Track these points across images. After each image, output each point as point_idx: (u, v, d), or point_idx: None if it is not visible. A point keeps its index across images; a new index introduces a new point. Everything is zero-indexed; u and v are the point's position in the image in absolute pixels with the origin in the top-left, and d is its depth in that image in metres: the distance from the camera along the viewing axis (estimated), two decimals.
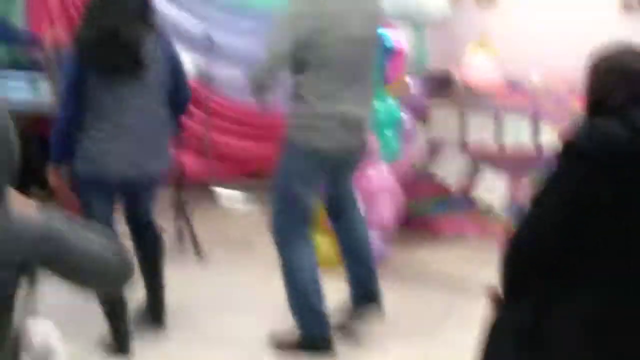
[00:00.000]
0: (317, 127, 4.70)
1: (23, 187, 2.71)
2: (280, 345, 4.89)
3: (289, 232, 4.75)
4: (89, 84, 4.54)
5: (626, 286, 3.13)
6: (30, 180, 6.49)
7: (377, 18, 4.98)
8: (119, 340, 4.83)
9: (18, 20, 7.96)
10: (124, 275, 2.66)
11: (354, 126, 4.83)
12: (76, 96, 4.57)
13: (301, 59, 4.60)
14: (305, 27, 4.58)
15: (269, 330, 4.98)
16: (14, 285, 2.48)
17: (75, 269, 2.53)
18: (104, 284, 2.72)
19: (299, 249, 4.75)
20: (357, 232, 5.19)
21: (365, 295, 5.17)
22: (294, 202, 4.77)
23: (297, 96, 4.70)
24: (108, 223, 4.73)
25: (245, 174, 7.69)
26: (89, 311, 4.79)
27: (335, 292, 5.17)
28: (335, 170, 4.96)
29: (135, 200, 4.96)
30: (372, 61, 4.94)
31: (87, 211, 4.75)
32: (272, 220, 4.83)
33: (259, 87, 4.70)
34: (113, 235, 2.66)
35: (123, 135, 4.69)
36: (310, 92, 4.66)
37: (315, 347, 4.83)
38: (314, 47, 4.59)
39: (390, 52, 6.05)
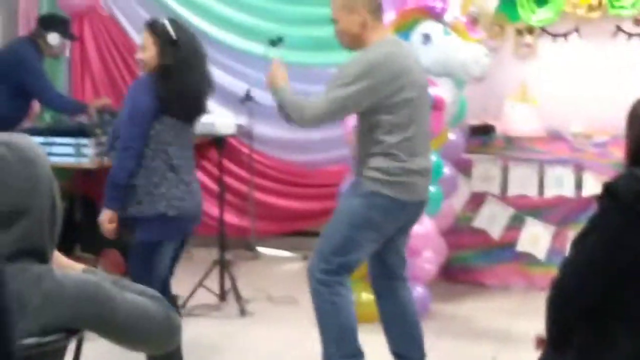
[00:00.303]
0: (407, 182, 4.67)
1: (67, 248, 2.74)
2: None
3: (336, 280, 4.65)
4: (159, 131, 4.68)
5: None
6: (74, 241, 6.56)
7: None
8: None
9: (62, 85, 8.09)
10: (170, 335, 2.66)
11: (428, 178, 4.87)
12: (143, 144, 4.66)
13: (377, 116, 4.58)
14: (387, 85, 4.55)
15: None
16: (61, 349, 2.49)
17: (121, 330, 2.54)
18: (151, 344, 2.72)
19: (343, 292, 4.69)
20: (409, 303, 5.05)
21: None
22: (355, 251, 4.68)
23: (384, 153, 4.60)
24: (166, 276, 4.81)
25: (287, 232, 7.71)
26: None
27: (377, 347, 5.13)
28: (405, 226, 4.93)
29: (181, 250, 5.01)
30: (430, 111, 4.95)
31: (148, 262, 4.77)
32: (318, 264, 4.67)
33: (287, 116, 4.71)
34: (158, 294, 2.66)
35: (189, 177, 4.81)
36: (398, 147, 4.61)
37: None
38: (397, 106, 4.58)
39: (432, 107, 6.06)
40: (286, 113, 4.71)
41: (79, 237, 6.93)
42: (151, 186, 4.68)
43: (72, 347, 2.64)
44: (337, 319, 4.67)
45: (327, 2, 5.70)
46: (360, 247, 4.67)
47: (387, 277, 4.93)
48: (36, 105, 7.86)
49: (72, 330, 2.47)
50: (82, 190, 7.14)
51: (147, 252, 4.77)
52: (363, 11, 4.63)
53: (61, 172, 6.67)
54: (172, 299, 5.02)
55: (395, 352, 5.06)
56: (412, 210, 4.79)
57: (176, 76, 4.74)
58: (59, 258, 2.65)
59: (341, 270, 4.65)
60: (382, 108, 4.57)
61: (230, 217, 7.49)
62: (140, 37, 4.85)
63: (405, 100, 4.61)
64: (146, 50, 4.72)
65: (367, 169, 4.64)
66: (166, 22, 4.80)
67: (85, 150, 6.69)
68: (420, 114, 4.73)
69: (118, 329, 2.53)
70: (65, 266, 2.64)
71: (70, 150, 6.68)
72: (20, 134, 2.56)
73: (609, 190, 3.19)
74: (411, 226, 5.02)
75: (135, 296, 2.57)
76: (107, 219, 4.77)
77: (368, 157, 4.65)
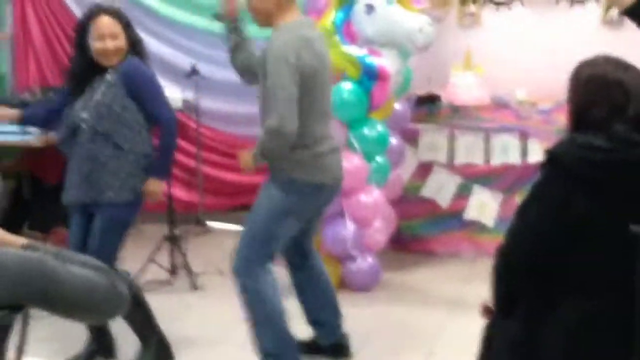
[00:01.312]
0: (318, 164, 4.68)
1: (15, 226, 2.72)
2: None
3: (256, 268, 4.65)
4: None
5: (607, 295, 3.16)
6: (22, 219, 6.51)
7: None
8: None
9: (6, 64, 8.01)
10: (116, 304, 2.66)
11: (339, 156, 4.88)
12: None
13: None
14: (304, 69, 4.51)
15: None
16: (4, 327, 2.48)
17: (66, 304, 2.54)
18: (97, 315, 2.72)
19: (266, 280, 4.68)
20: (324, 283, 5.14)
21: (336, 345, 5.16)
22: (272, 241, 4.71)
23: (293, 144, 4.55)
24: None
25: (237, 206, 7.69)
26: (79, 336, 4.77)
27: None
28: (321, 207, 5.00)
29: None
30: (331, 90, 4.93)
31: (120, 241, 4.85)
32: (241, 256, 4.69)
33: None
34: (103, 265, 2.65)
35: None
36: (309, 135, 4.60)
37: None
38: (312, 89, 4.56)
39: (375, 79, 6.07)
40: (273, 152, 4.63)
41: (28, 215, 6.88)
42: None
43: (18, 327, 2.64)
44: (264, 307, 4.68)
45: None
46: (281, 235, 4.71)
47: (299, 252, 4.98)
48: None
49: (16, 308, 2.46)
50: (29, 168, 7.08)
51: (122, 231, 4.84)
52: None
53: (7, 150, 6.64)
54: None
55: (314, 321, 5.14)
56: (328, 191, 4.83)
57: (145, 53, 4.97)
58: (0, 234, 2.63)
59: (262, 260, 4.66)
60: (302, 95, 4.52)
61: (179, 192, 7.49)
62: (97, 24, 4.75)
63: (319, 86, 4.61)
64: (119, 37, 4.76)
65: (279, 161, 4.63)
66: (116, 8, 4.94)
67: (31, 128, 6.63)
68: (325, 96, 4.73)
69: (63, 303, 2.52)
70: (8, 241, 2.63)
71: (15, 128, 6.61)
72: None
73: (551, 156, 3.22)
74: (327, 206, 5.09)
75: (79, 268, 2.56)
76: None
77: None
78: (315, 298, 5.09)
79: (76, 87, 4.90)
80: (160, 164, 4.88)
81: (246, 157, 4.73)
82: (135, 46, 4.87)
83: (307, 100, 4.55)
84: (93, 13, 4.85)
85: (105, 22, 4.76)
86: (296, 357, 4.75)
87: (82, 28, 4.84)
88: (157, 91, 4.88)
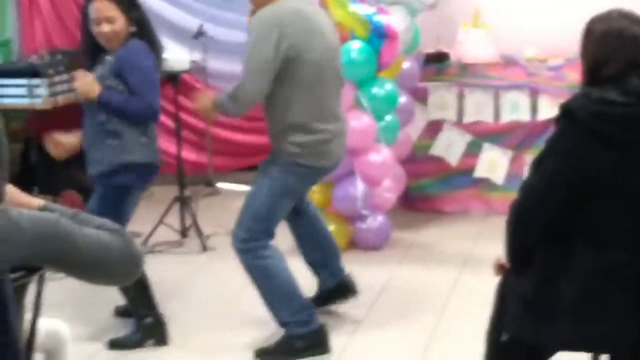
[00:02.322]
0: (322, 149, 4.67)
1: (25, 191, 2.71)
2: (273, 353, 4.77)
3: (259, 245, 4.65)
4: None
5: (622, 247, 3.16)
6: (31, 183, 6.50)
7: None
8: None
9: (12, 28, 7.98)
10: (132, 266, 2.65)
11: (344, 139, 4.86)
12: None
13: (288, 74, 4.51)
14: (292, 41, 4.45)
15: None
16: (21, 288, 2.47)
17: (82, 265, 2.53)
18: (113, 277, 2.71)
19: (270, 255, 4.68)
20: (320, 224, 5.20)
21: (341, 285, 5.20)
22: (274, 218, 4.70)
23: (296, 126, 4.57)
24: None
25: (246, 167, 7.68)
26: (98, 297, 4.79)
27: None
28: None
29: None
30: (341, 71, 4.90)
31: (122, 205, 4.80)
32: (240, 234, 4.67)
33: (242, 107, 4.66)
34: (118, 227, 2.64)
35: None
36: (311, 116, 4.59)
37: (317, 345, 4.74)
38: (303, 64, 4.51)
39: (384, 37, 6.05)
40: (234, 111, 4.69)
41: (37, 179, 6.88)
42: (142, 136, 4.77)
43: (34, 287, 2.63)
44: (272, 282, 4.69)
45: None
46: (278, 213, 4.71)
47: (301, 209, 5.01)
48: None
49: (33, 269, 2.45)
50: (37, 132, 7.08)
51: (123, 196, 4.79)
52: None
53: (15, 114, 6.63)
54: None
55: (315, 263, 5.18)
56: (328, 170, 4.87)
57: (152, 34, 4.84)
58: (17, 195, 2.62)
59: (261, 236, 4.65)
60: (292, 65, 4.48)
61: (188, 154, 7.46)
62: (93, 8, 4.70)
63: (315, 63, 4.54)
64: (115, 21, 4.66)
65: (283, 142, 4.62)
66: None
67: (39, 91, 6.62)
68: (331, 75, 4.68)
69: (79, 264, 2.52)
70: (24, 202, 2.62)
71: (23, 91, 6.61)
72: None
73: (566, 111, 3.21)
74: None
75: (94, 230, 2.56)
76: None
77: (282, 131, 4.61)
78: (314, 241, 5.14)
79: (88, 63, 4.89)
80: (112, 94, 4.70)
81: (205, 101, 4.76)
82: (140, 27, 4.75)
83: (305, 80, 4.53)
84: None
85: (100, 7, 4.66)
86: (314, 319, 4.75)
87: (85, 10, 4.81)
88: (144, 74, 4.72)
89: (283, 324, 4.72)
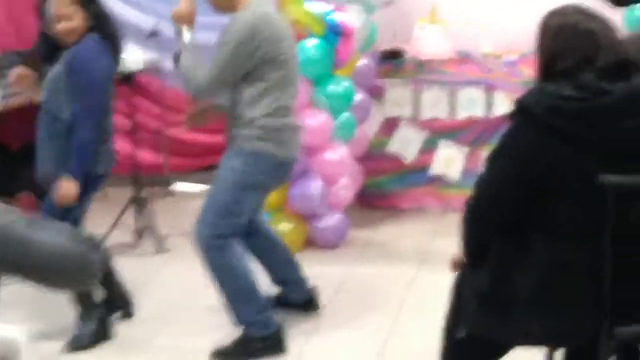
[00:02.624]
0: (284, 137, 4.67)
1: None
2: (231, 353, 4.76)
3: (223, 242, 4.61)
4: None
5: (577, 240, 3.18)
6: None
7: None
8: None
9: None
10: (88, 272, 2.62)
11: (300, 136, 4.88)
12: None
13: (259, 75, 4.54)
14: (268, 47, 4.50)
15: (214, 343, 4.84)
16: None
17: (37, 271, 2.50)
18: (69, 283, 2.69)
19: (233, 253, 4.65)
20: (279, 242, 5.22)
21: (305, 299, 5.23)
22: (239, 213, 4.66)
23: (266, 112, 4.58)
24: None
25: (202, 167, 7.66)
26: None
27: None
28: (278, 186, 5.09)
29: None
30: (298, 70, 4.91)
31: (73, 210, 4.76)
32: (202, 230, 4.63)
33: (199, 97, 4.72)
34: (77, 231, 2.62)
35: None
36: (274, 111, 4.59)
37: (274, 346, 4.73)
38: (275, 65, 4.55)
39: (340, 35, 6.06)
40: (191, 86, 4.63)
41: None
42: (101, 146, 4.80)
43: None
44: (236, 282, 4.67)
45: None
46: (243, 207, 4.66)
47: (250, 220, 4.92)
48: None
49: None
50: None
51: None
52: None
53: None
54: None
55: (279, 281, 5.20)
56: (287, 169, 4.83)
57: (111, 28, 4.81)
58: None
59: (227, 233, 4.61)
60: (264, 68, 4.51)
61: (144, 155, 7.40)
62: (50, 5, 4.67)
63: (283, 61, 4.57)
64: (72, 17, 4.63)
65: (248, 127, 4.58)
66: None
67: None
68: (294, 74, 4.71)
69: (33, 271, 2.49)
70: None
71: None
72: None
73: (521, 106, 3.23)
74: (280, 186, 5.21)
75: (51, 236, 2.53)
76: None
77: (244, 124, 4.59)
78: (273, 259, 5.14)
79: (46, 60, 4.84)
80: (73, 166, 4.67)
81: (182, 20, 4.69)
82: (97, 21, 4.71)
83: (273, 80, 4.56)
84: None
85: (56, 3, 4.64)
86: (272, 321, 4.75)
87: (41, 8, 4.78)
88: (90, 76, 4.66)
89: (242, 323, 4.71)
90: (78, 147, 4.66)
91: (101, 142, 4.76)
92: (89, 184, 4.76)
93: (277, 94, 4.59)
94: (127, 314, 5.16)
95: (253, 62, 4.48)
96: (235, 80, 4.53)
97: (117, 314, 5.12)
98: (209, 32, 5.13)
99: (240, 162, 4.60)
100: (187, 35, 4.61)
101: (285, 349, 4.73)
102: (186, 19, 4.63)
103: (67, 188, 4.63)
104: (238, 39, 4.46)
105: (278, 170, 4.74)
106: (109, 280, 5.07)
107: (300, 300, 5.21)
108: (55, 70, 4.71)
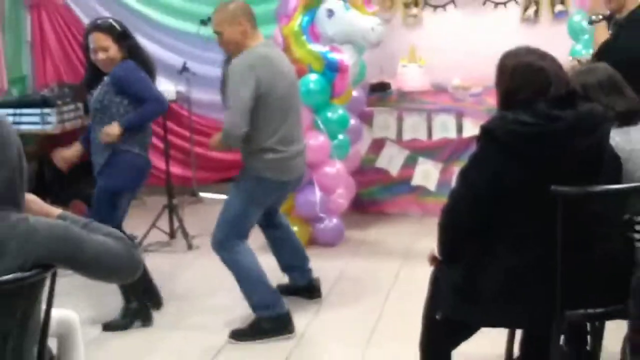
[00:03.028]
0: (284, 166, 4.67)
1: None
2: (246, 333, 4.72)
3: (233, 243, 4.65)
4: None
5: (536, 243, 3.18)
6: (45, 196, 6.43)
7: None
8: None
9: (26, 66, 7.93)
10: (131, 269, 2.64)
11: (304, 157, 4.87)
12: None
13: (258, 109, 4.49)
14: (263, 83, 4.46)
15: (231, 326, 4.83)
16: (37, 283, 2.45)
17: (88, 265, 2.52)
18: (115, 277, 2.70)
19: (243, 251, 4.68)
20: (291, 234, 5.22)
21: (308, 286, 5.23)
22: (245, 223, 4.70)
23: (264, 149, 4.57)
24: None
25: (223, 179, 7.64)
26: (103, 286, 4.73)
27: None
28: (286, 195, 5.09)
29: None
30: (300, 102, 4.92)
31: (112, 206, 4.77)
32: (217, 235, 4.68)
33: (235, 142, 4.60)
34: (122, 235, 2.62)
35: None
36: (277, 141, 4.58)
37: (282, 327, 4.70)
38: (270, 99, 4.50)
39: (336, 71, 6.07)
40: (231, 143, 4.62)
41: (49, 193, 6.82)
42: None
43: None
44: (246, 272, 4.68)
45: None
46: (249, 219, 4.71)
47: (268, 216, 4.95)
48: (3, 82, 7.71)
49: (47, 266, 2.44)
50: (49, 153, 7.00)
51: (111, 198, 4.76)
52: (244, 21, 4.55)
53: (29, 138, 6.57)
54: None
55: (287, 267, 5.19)
56: (291, 185, 4.88)
57: (144, 56, 4.81)
58: (41, 205, 2.62)
59: (234, 238, 4.66)
60: (261, 102, 4.47)
61: (176, 169, 7.41)
62: (91, 40, 4.69)
63: (279, 97, 4.54)
64: (109, 49, 4.65)
65: (253, 161, 4.62)
66: (110, 21, 4.77)
67: (50, 119, 6.58)
68: (292, 107, 4.68)
69: (86, 265, 2.50)
70: (46, 211, 2.61)
71: (36, 119, 6.57)
72: None
73: (485, 131, 3.23)
74: (292, 192, 5.24)
75: (101, 237, 2.55)
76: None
77: (253, 152, 4.60)
78: (286, 248, 5.13)
79: (89, 87, 4.84)
80: (130, 117, 4.68)
81: (216, 138, 4.72)
82: (131, 52, 4.72)
83: (272, 112, 4.53)
84: (87, 31, 4.79)
85: (96, 38, 4.66)
86: (280, 304, 4.73)
87: (85, 41, 4.80)
88: (141, 82, 4.69)
89: (254, 306, 4.71)
90: (142, 113, 4.69)
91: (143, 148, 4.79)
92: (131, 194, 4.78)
93: (277, 125, 4.57)
94: (157, 303, 5.12)
95: (254, 97, 4.44)
96: (251, 112, 4.47)
97: (150, 303, 5.08)
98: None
99: (249, 185, 4.65)
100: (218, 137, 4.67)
101: (292, 329, 4.70)
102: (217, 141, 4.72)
103: (114, 128, 4.65)
104: (239, 81, 4.43)
105: (281, 189, 4.79)
106: (143, 275, 5.06)
107: (305, 287, 5.21)
108: (98, 91, 4.72)
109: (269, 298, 4.71)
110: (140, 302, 4.88)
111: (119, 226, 4.72)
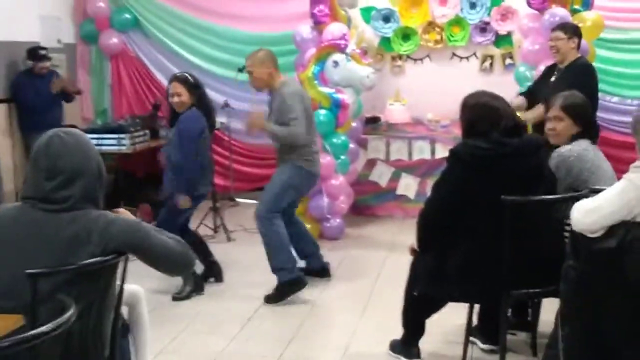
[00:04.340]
0: (316, 161, 4.83)
1: (115, 204, 2.69)
2: (274, 298, 4.75)
3: (272, 217, 4.68)
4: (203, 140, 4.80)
5: (485, 235, 3.19)
6: (119, 199, 6.44)
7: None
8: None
9: (107, 102, 7.97)
10: (185, 265, 2.62)
11: (319, 159, 4.99)
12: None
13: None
14: (305, 100, 4.73)
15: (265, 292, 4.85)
16: (114, 265, 2.46)
17: (152, 256, 2.51)
18: (171, 270, 2.69)
19: (278, 224, 4.71)
20: (305, 230, 5.22)
21: (322, 268, 5.20)
22: (282, 203, 4.74)
23: (302, 143, 4.69)
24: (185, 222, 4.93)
25: (254, 188, 7.65)
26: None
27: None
28: (307, 190, 5.12)
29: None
30: (314, 118, 5.02)
31: (177, 215, 4.78)
32: (260, 209, 4.71)
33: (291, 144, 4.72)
34: (182, 240, 2.61)
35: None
36: (310, 141, 4.77)
37: (298, 284, 4.73)
38: (308, 116, 4.74)
39: (340, 107, 6.07)
40: (277, 138, 4.69)
41: (122, 197, 6.83)
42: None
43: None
44: (279, 239, 4.70)
45: (276, 43, 5.64)
46: (285, 199, 4.76)
47: (286, 216, 4.94)
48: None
49: (121, 252, 2.45)
50: (123, 167, 7.04)
51: (178, 210, 4.79)
52: (270, 64, 4.68)
53: (108, 156, 6.59)
54: (194, 234, 5.18)
55: (304, 254, 5.15)
56: (314, 178, 4.92)
57: (208, 104, 4.82)
58: (128, 214, 2.61)
59: (273, 212, 4.70)
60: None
61: (218, 180, 7.38)
62: (164, 80, 4.76)
63: (308, 111, 4.74)
64: (182, 95, 4.67)
65: (292, 155, 4.72)
66: (186, 74, 4.80)
67: (124, 142, 6.59)
68: (312, 119, 4.86)
69: (150, 255, 2.50)
70: (121, 212, 2.62)
71: (114, 142, 6.58)
72: (69, 127, 2.55)
73: (453, 153, 3.25)
74: (310, 190, 5.23)
75: (165, 237, 2.54)
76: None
77: (292, 149, 4.70)
78: (302, 240, 5.12)
79: (171, 124, 4.87)
80: (178, 186, 4.69)
81: (259, 117, 4.72)
82: (199, 100, 4.74)
83: (308, 122, 4.71)
84: (169, 80, 4.84)
85: (173, 85, 4.70)
86: (296, 270, 4.75)
87: (167, 88, 4.83)
88: (182, 140, 4.64)
89: (275, 268, 4.71)
90: (178, 185, 4.69)
91: (199, 174, 4.75)
92: (194, 199, 4.79)
93: (308, 129, 4.72)
94: (219, 279, 5.15)
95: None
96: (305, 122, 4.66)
97: (212, 279, 5.14)
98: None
99: (288, 171, 4.74)
100: (270, 125, 4.69)
101: (305, 284, 4.74)
102: (263, 123, 4.74)
103: (186, 200, 4.70)
104: (295, 101, 4.61)
105: (309, 179, 4.86)
106: (208, 258, 5.12)
107: (318, 269, 5.19)
108: (172, 133, 4.77)
109: (290, 263, 4.72)
110: (196, 278, 4.88)
111: (185, 225, 4.86)
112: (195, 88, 4.73)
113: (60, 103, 6.82)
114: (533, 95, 5.38)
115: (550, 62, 5.53)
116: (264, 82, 4.70)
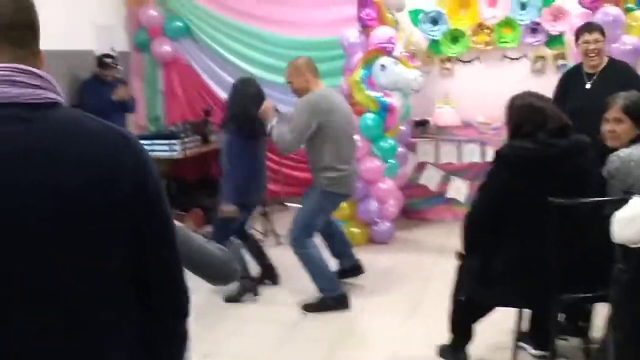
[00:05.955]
0: (344, 182, 4.72)
1: None
2: (314, 307, 4.76)
3: (305, 241, 4.69)
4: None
5: (531, 238, 3.15)
6: (171, 204, 6.53)
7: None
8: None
9: (159, 110, 8.09)
10: (226, 274, 2.59)
11: (355, 178, 4.94)
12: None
13: (318, 135, 4.58)
14: (319, 117, 4.56)
15: (301, 300, 4.87)
16: None
17: (192, 262, 2.49)
18: (211, 277, 2.66)
19: (312, 246, 4.71)
20: (339, 230, 5.24)
21: (354, 266, 5.20)
22: (314, 226, 4.75)
23: (328, 167, 4.64)
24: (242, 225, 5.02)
25: (302, 193, 7.66)
26: None
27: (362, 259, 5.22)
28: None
29: None
30: (353, 131, 4.94)
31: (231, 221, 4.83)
32: (293, 235, 4.73)
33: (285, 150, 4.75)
34: (225, 249, 2.60)
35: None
36: (336, 160, 4.65)
37: (340, 303, 4.73)
38: (327, 127, 4.58)
39: (388, 110, 6.05)
40: (280, 145, 4.70)
41: (174, 202, 6.92)
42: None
43: None
44: (314, 261, 4.71)
45: (323, 48, 5.63)
46: (316, 223, 4.76)
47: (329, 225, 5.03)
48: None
49: None
50: (174, 172, 7.15)
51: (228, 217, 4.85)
52: (307, 74, 4.69)
53: (161, 161, 6.71)
54: (250, 237, 5.33)
55: (337, 253, 5.18)
56: (347, 197, 4.92)
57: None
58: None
59: (304, 237, 4.70)
60: (321, 130, 4.57)
61: (269, 185, 7.43)
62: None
63: (335, 126, 4.61)
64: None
65: (319, 177, 4.69)
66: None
67: (175, 147, 6.69)
68: (345, 134, 4.73)
69: (189, 259, 2.47)
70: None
71: (166, 147, 6.68)
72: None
73: (499, 154, 3.21)
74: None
75: (209, 246, 2.52)
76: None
77: (319, 170, 4.68)
78: (335, 239, 5.14)
79: (222, 127, 4.98)
80: (228, 196, 4.78)
81: (267, 108, 4.75)
82: (231, 119, 4.81)
83: (332, 138, 4.60)
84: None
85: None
86: (339, 288, 4.76)
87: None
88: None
89: (319, 289, 4.73)
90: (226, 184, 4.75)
91: (246, 182, 4.80)
92: (246, 207, 4.86)
93: (334, 147, 4.62)
94: (275, 281, 5.24)
95: (312, 127, 4.54)
96: (306, 138, 4.59)
97: (268, 282, 5.23)
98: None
99: (317, 196, 4.72)
100: (272, 121, 4.71)
101: (348, 305, 4.72)
102: (270, 116, 4.74)
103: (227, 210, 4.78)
104: (301, 112, 4.57)
105: (339, 200, 4.86)
106: (264, 261, 5.23)
107: (351, 268, 5.19)
108: (224, 137, 4.81)
109: (331, 282, 4.74)
110: (251, 281, 4.96)
111: (241, 228, 4.98)
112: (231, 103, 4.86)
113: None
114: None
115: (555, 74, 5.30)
116: (303, 90, 4.72)
